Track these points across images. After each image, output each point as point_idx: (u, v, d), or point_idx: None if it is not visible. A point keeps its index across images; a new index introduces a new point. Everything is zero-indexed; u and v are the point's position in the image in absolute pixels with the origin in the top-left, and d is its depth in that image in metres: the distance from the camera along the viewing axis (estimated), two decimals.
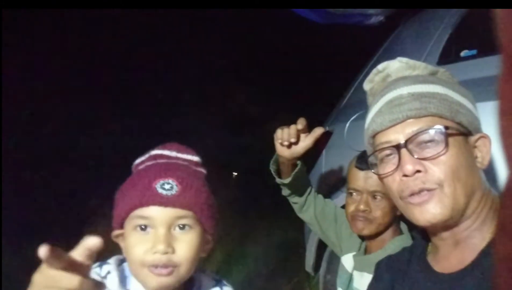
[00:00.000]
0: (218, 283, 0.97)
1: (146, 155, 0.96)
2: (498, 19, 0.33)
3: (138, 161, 0.97)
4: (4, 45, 3.99)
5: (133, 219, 0.86)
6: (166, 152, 0.94)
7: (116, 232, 0.90)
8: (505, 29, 0.33)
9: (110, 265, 0.91)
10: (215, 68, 5.49)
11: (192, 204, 0.86)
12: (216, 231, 0.93)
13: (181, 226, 0.85)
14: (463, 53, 1.67)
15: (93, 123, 5.03)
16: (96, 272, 0.88)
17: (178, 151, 0.95)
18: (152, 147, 0.97)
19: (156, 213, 0.84)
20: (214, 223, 0.91)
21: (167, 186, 0.85)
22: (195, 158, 0.96)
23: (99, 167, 4.65)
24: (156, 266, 0.83)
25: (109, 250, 0.78)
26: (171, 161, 0.93)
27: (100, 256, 0.81)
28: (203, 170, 0.96)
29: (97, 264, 0.90)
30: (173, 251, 0.83)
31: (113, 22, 4.82)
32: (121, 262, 0.93)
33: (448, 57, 1.74)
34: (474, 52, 1.63)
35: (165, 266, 0.83)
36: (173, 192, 0.85)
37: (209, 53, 5.47)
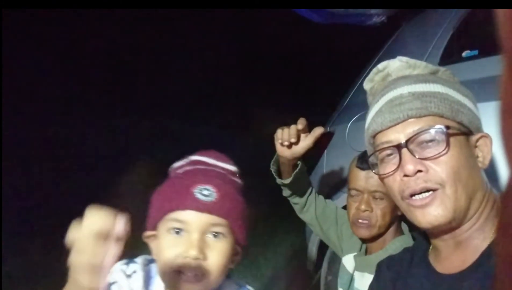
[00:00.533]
0: (241, 287, 0.96)
1: (186, 160, 0.96)
2: (499, 19, 0.33)
3: (176, 165, 0.97)
4: (4, 45, 3.99)
5: (168, 222, 0.85)
6: (205, 159, 0.94)
7: (148, 233, 0.90)
8: (507, 29, 0.32)
9: (137, 265, 0.91)
10: (215, 69, 5.48)
11: (229, 213, 0.86)
12: (246, 244, 0.93)
13: (214, 233, 0.85)
14: (464, 54, 1.66)
15: (94, 123, 5.04)
16: (122, 270, 0.89)
17: (217, 159, 0.95)
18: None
19: (192, 218, 0.84)
20: (246, 234, 0.91)
21: (205, 192, 0.85)
22: (233, 168, 0.96)
23: (99, 167, 4.66)
24: (185, 271, 0.82)
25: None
26: (209, 168, 0.93)
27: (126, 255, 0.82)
28: (239, 181, 0.96)
29: (124, 261, 0.91)
30: (205, 258, 0.83)
31: (114, 22, 4.82)
32: (148, 262, 0.93)
33: (449, 57, 1.74)
34: (475, 52, 1.62)
35: (194, 272, 0.82)
36: (211, 198, 0.85)
37: (210, 53, 5.47)
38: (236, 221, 0.88)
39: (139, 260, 0.92)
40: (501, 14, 0.32)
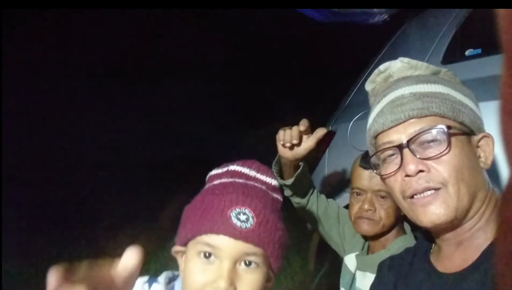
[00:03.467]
0: None
1: (224, 169, 0.89)
2: (500, 19, 0.33)
3: (213, 173, 0.90)
4: (4, 45, 4.00)
5: (199, 244, 0.79)
6: (245, 170, 0.87)
7: (177, 248, 0.85)
8: (508, 28, 0.32)
9: (159, 285, 0.86)
10: (217, 68, 5.48)
11: (266, 242, 0.79)
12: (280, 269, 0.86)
13: (247, 262, 0.78)
14: (467, 52, 1.66)
15: (94, 124, 5.04)
16: (144, 289, 0.85)
17: (258, 171, 0.88)
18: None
19: (226, 245, 0.77)
20: (281, 262, 0.84)
21: (242, 217, 0.77)
22: (274, 182, 0.88)
23: (99, 169, 4.66)
24: None
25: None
26: (249, 183, 0.85)
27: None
28: (279, 197, 0.89)
29: (145, 279, 0.87)
30: None
31: (114, 22, 4.82)
32: (170, 280, 0.88)
33: (452, 56, 1.73)
34: (478, 51, 1.61)
35: None
36: (248, 225, 0.77)
37: (211, 53, 5.46)
38: (273, 251, 0.80)
39: (162, 279, 0.87)
40: (502, 13, 0.32)
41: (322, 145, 2.10)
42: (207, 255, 0.78)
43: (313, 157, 2.09)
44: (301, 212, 1.51)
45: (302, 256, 2.31)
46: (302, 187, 1.43)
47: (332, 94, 2.72)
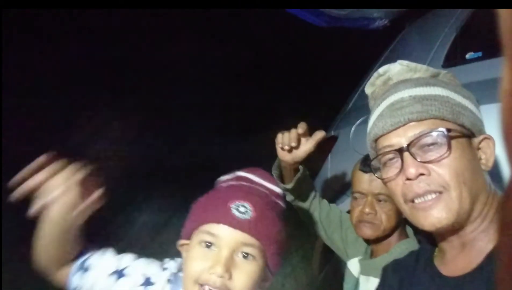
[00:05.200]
0: None
1: (232, 175, 0.96)
2: (501, 20, 0.33)
3: (222, 178, 0.97)
4: (4, 45, 4.02)
5: (201, 233, 0.85)
6: (250, 176, 0.94)
7: (182, 241, 0.90)
8: (509, 29, 0.32)
9: (175, 264, 0.94)
10: (217, 72, 5.49)
11: (263, 234, 0.84)
12: (277, 271, 0.90)
13: (245, 254, 0.83)
14: (468, 55, 1.66)
15: (93, 124, 5.05)
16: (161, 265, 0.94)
17: (262, 177, 0.94)
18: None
19: (224, 233, 0.82)
20: (278, 261, 0.89)
21: (242, 209, 0.83)
22: (278, 190, 0.95)
23: (102, 175, 4.66)
24: (208, 287, 0.81)
25: None
26: (253, 186, 0.92)
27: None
28: (282, 204, 0.94)
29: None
30: (230, 277, 0.81)
31: (115, 22, 4.84)
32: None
33: (453, 59, 1.73)
34: (479, 54, 1.61)
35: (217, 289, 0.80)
36: (247, 216, 0.83)
37: (211, 57, 5.47)
38: (269, 245, 0.85)
39: (176, 263, 0.94)
40: (503, 14, 0.32)
41: (324, 150, 2.10)
42: (208, 245, 0.83)
43: (316, 162, 2.09)
44: (303, 217, 1.51)
45: (306, 261, 2.30)
46: (303, 191, 1.43)
47: (334, 99, 2.73)
